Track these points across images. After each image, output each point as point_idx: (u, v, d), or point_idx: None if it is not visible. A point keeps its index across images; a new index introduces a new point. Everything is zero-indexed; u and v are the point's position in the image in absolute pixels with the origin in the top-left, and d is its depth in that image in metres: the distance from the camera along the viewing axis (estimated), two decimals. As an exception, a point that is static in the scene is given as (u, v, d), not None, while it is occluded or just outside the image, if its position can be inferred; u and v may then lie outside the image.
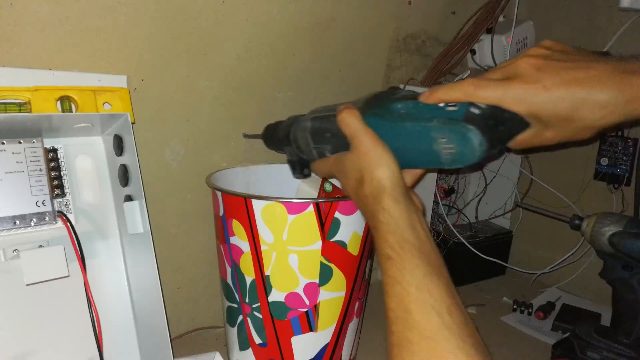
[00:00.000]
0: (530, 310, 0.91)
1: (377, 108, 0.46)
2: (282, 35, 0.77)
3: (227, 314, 0.67)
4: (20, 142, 0.56)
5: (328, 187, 0.66)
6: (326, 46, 0.83)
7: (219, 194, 0.62)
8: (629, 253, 0.64)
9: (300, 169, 0.59)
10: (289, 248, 0.58)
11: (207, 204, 0.68)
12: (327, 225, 0.58)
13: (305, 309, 0.61)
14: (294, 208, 0.57)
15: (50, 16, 0.59)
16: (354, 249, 0.61)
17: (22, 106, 0.57)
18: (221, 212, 0.62)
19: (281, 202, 0.57)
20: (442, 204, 0.99)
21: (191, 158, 0.74)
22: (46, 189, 0.58)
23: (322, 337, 0.63)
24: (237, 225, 0.60)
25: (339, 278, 0.61)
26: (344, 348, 0.66)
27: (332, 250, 0.59)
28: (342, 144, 0.48)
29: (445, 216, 0.98)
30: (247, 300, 0.62)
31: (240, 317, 0.64)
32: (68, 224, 0.58)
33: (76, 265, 0.58)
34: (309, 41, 0.81)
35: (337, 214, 0.58)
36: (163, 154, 0.72)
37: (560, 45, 0.40)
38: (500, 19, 0.96)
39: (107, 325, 0.62)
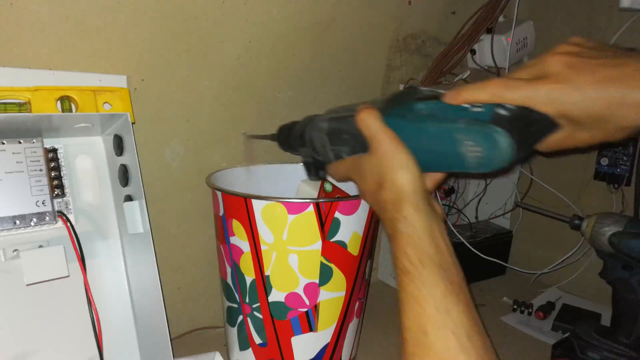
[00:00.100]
0: (530, 310, 0.91)
1: (398, 108, 0.44)
2: (282, 35, 0.77)
3: (227, 314, 0.67)
4: (20, 142, 0.56)
5: (328, 187, 0.66)
6: (326, 46, 0.83)
7: (219, 194, 0.62)
8: (629, 253, 0.64)
9: (316, 170, 0.57)
10: (289, 248, 0.58)
11: (207, 204, 0.68)
12: (327, 225, 0.58)
13: (305, 309, 0.61)
14: (294, 208, 0.57)
15: (50, 16, 0.59)
16: (354, 249, 0.61)
17: (22, 106, 0.57)
18: (221, 212, 0.62)
19: (281, 202, 0.57)
20: (442, 204, 0.99)
21: (191, 158, 0.74)
22: (46, 189, 0.58)
23: (322, 337, 0.63)
24: (237, 225, 0.60)
25: (339, 278, 0.61)
26: (344, 348, 0.66)
27: (332, 250, 0.59)
28: (361, 145, 0.46)
29: (446, 216, 0.98)
30: (247, 300, 0.62)
31: (240, 317, 0.64)
32: (68, 224, 0.58)
33: (76, 265, 0.58)
34: (309, 41, 0.81)
35: (337, 214, 0.58)
36: (163, 154, 0.72)
37: (590, 41, 0.38)
38: (500, 19, 0.96)
39: (107, 325, 0.62)
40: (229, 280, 0.64)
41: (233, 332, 0.66)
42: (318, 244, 0.58)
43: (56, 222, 0.59)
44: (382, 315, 0.83)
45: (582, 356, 0.70)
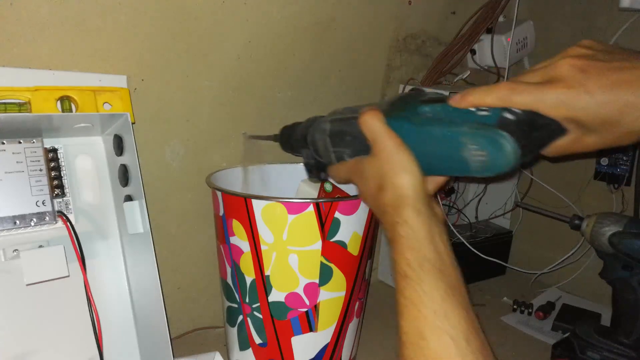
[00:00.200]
0: (530, 310, 0.91)
1: (402, 111, 0.44)
2: (282, 35, 0.77)
3: (227, 314, 0.67)
4: (20, 142, 0.56)
5: (328, 187, 0.66)
6: (326, 46, 0.83)
7: (219, 194, 0.62)
8: (629, 253, 0.64)
9: (317, 172, 0.57)
10: (289, 248, 0.58)
11: (207, 204, 0.68)
12: (327, 225, 0.58)
13: (305, 309, 0.61)
14: (294, 208, 0.57)
15: (50, 16, 0.59)
16: (354, 249, 0.61)
17: (22, 106, 0.57)
18: (221, 212, 0.62)
19: (281, 202, 0.57)
20: (442, 204, 0.99)
21: (191, 158, 0.74)
22: (46, 189, 0.58)
23: (322, 337, 0.63)
24: (237, 225, 0.60)
25: (339, 278, 0.61)
26: (344, 348, 0.66)
27: (332, 250, 0.59)
28: (363, 147, 0.45)
29: (445, 216, 0.98)
30: (247, 300, 0.62)
31: (240, 317, 0.64)
32: (68, 224, 0.58)
33: (76, 265, 0.58)
34: (309, 41, 0.81)
35: (337, 214, 0.58)
36: (163, 154, 0.72)
37: (602, 44, 0.37)
38: (500, 19, 0.96)
39: (107, 325, 0.62)
40: (229, 280, 0.64)
41: (233, 332, 0.66)
42: (318, 244, 0.58)
43: (56, 222, 0.59)
44: (382, 315, 0.83)
45: (582, 356, 0.70)
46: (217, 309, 0.79)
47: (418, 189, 0.41)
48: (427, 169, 0.42)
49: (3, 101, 0.56)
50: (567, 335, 0.78)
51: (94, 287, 0.60)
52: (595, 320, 0.86)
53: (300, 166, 0.72)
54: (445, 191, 1.02)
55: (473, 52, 0.97)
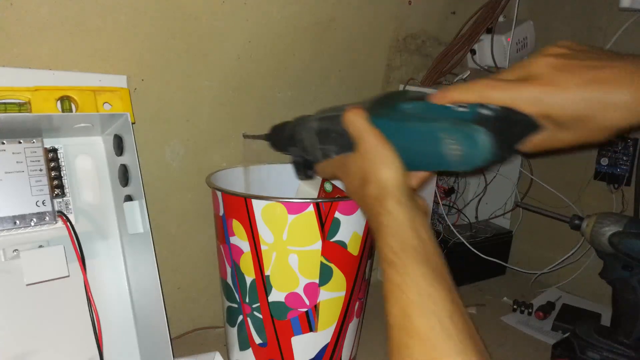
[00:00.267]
0: (530, 310, 0.91)
1: (384, 108, 0.45)
2: (282, 35, 0.77)
3: (227, 314, 0.67)
4: (20, 142, 0.56)
5: (328, 187, 0.66)
6: (326, 46, 0.83)
7: (219, 194, 0.62)
8: (629, 253, 0.64)
9: (305, 170, 0.58)
10: (289, 248, 0.58)
11: (207, 204, 0.68)
12: (327, 225, 0.58)
13: (305, 309, 0.61)
14: (294, 208, 0.57)
15: (50, 16, 0.59)
16: (354, 249, 0.61)
17: (22, 106, 0.57)
18: (221, 212, 0.62)
19: (281, 202, 0.57)
20: (442, 204, 0.99)
21: (191, 158, 0.74)
22: (46, 189, 0.58)
23: (322, 337, 0.63)
24: (237, 225, 0.60)
25: (339, 278, 0.61)
26: (344, 348, 0.66)
27: (332, 250, 0.59)
28: (348, 144, 0.47)
29: (445, 216, 0.98)
30: (247, 300, 0.62)
31: (240, 317, 0.64)
32: (68, 224, 0.58)
33: (76, 265, 0.58)
34: (309, 41, 0.81)
35: (337, 214, 0.58)
36: (163, 154, 0.72)
37: (578, 45, 0.39)
38: (500, 19, 0.96)
39: (107, 325, 0.62)
40: (229, 280, 0.64)
41: (233, 332, 0.66)
42: (318, 244, 0.58)
43: (56, 222, 0.59)
44: (382, 315, 0.83)
45: (582, 356, 0.70)
46: (217, 309, 0.79)
47: (400, 182, 0.43)
48: (409, 164, 0.44)
49: (3, 101, 0.56)
50: (567, 335, 0.78)
51: (94, 287, 0.60)
52: (595, 320, 0.86)
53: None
54: (445, 191, 1.02)
55: (473, 52, 0.97)
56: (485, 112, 0.39)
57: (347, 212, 0.59)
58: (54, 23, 0.59)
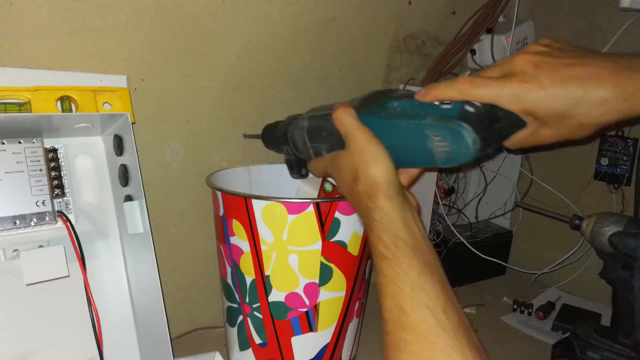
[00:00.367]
0: (530, 310, 0.91)
1: (372, 106, 0.46)
2: (282, 35, 0.77)
3: (227, 314, 0.67)
4: (20, 142, 0.56)
5: (328, 187, 0.66)
6: (326, 46, 0.83)
7: (219, 194, 0.62)
8: (629, 253, 0.64)
9: (298, 168, 0.59)
10: (289, 248, 0.58)
11: (207, 204, 0.68)
12: (327, 225, 0.58)
13: (305, 309, 0.61)
14: (294, 208, 0.57)
15: (50, 16, 0.59)
16: (354, 249, 0.61)
17: (22, 106, 0.57)
18: (221, 212, 0.62)
19: (281, 202, 0.57)
20: (442, 204, 0.99)
21: (191, 158, 0.74)
22: (46, 189, 0.58)
23: (322, 337, 0.63)
24: (237, 225, 0.60)
25: (339, 278, 0.61)
26: (344, 348, 0.66)
27: (332, 250, 0.59)
28: (338, 142, 0.48)
29: (445, 216, 0.98)
30: (247, 300, 0.62)
31: (240, 317, 0.64)
32: (68, 224, 0.58)
33: (76, 265, 0.58)
34: (309, 41, 0.81)
35: (337, 214, 0.58)
36: (163, 154, 0.72)
37: (558, 43, 0.40)
38: (500, 19, 0.96)
39: (107, 325, 0.62)
40: (229, 280, 0.64)
41: (233, 332, 0.66)
42: (318, 244, 0.58)
43: (56, 222, 0.59)
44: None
45: (582, 356, 0.70)
46: (217, 309, 0.79)
47: (390, 178, 0.43)
48: (398, 161, 0.44)
49: (3, 101, 0.56)
50: (567, 335, 0.78)
51: (94, 287, 0.60)
52: (595, 320, 0.86)
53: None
54: (445, 191, 1.02)
55: (473, 52, 0.97)
56: (469, 108, 0.39)
57: (347, 212, 0.59)
58: (54, 23, 0.59)
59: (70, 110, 0.60)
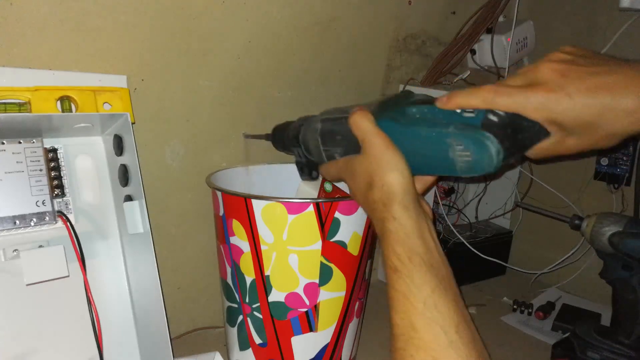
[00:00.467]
0: (530, 310, 0.91)
1: (391, 111, 0.45)
2: (282, 35, 0.77)
3: (227, 314, 0.67)
4: (20, 142, 0.56)
5: (328, 187, 0.66)
6: (326, 46, 0.83)
7: (219, 194, 0.62)
8: (629, 253, 0.64)
9: (309, 171, 0.58)
10: (289, 248, 0.58)
11: (207, 204, 0.68)
12: (327, 225, 0.58)
13: (305, 309, 0.61)
14: (294, 208, 0.57)
15: (50, 16, 0.59)
16: (354, 249, 0.61)
17: (22, 106, 0.57)
18: (221, 212, 0.62)
19: (281, 202, 0.57)
20: (442, 204, 0.99)
21: (191, 158, 0.74)
22: (46, 189, 0.58)
23: (322, 337, 0.63)
24: (237, 225, 0.60)
25: (339, 278, 0.61)
26: (344, 348, 0.66)
27: (332, 250, 0.59)
28: (353, 146, 0.47)
29: (445, 216, 0.98)
30: (247, 300, 0.62)
31: (240, 317, 0.64)
32: (68, 224, 0.58)
33: (76, 265, 0.58)
34: (309, 41, 0.81)
35: (337, 214, 0.58)
36: (163, 154, 0.72)
37: (582, 49, 0.39)
38: (500, 19, 0.96)
39: (107, 325, 0.62)
40: (229, 280, 0.64)
41: (233, 332, 0.66)
42: (318, 244, 0.58)
43: (56, 222, 0.59)
44: (382, 315, 0.83)
45: (582, 356, 0.70)
46: (217, 309, 0.79)
47: (406, 186, 0.42)
48: (415, 168, 0.43)
49: (3, 101, 0.56)
50: (567, 335, 0.78)
51: (94, 287, 0.60)
52: (595, 320, 0.86)
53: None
54: (445, 191, 1.02)
55: (473, 52, 0.97)
56: (493, 118, 0.38)
57: (347, 212, 0.59)
58: (54, 23, 0.59)
59: (70, 110, 0.60)
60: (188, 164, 0.74)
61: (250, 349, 0.64)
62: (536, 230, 1.05)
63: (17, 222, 0.56)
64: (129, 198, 0.61)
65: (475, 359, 0.36)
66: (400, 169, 0.42)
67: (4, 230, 0.56)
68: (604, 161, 0.90)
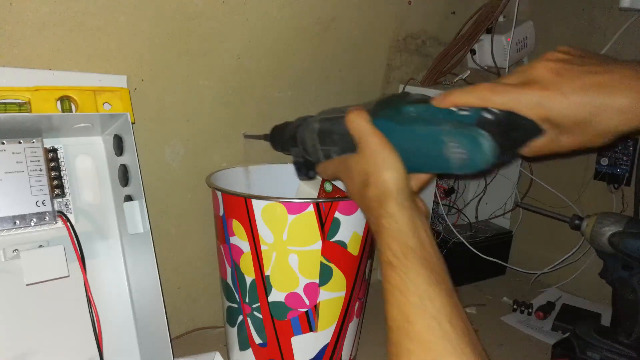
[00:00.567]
0: (530, 310, 0.91)
1: (387, 110, 0.45)
2: (282, 35, 0.77)
3: (227, 314, 0.67)
4: (20, 142, 0.56)
5: (328, 187, 0.66)
6: (326, 46, 0.83)
7: (219, 194, 0.62)
8: (629, 253, 0.64)
9: (306, 170, 0.58)
10: (289, 248, 0.58)
11: (207, 204, 0.68)
12: (327, 225, 0.58)
13: (305, 309, 0.61)
14: (294, 208, 0.57)
15: (50, 16, 0.59)
16: (354, 249, 0.61)
17: (22, 106, 0.57)
18: (221, 212, 0.62)
19: (281, 202, 0.57)
20: (442, 204, 0.99)
21: (191, 158, 0.74)
22: (46, 189, 0.58)
23: (322, 337, 0.63)
24: (237, 225, 0.60)
25: (339, 278, 0.61)
26: (344, 348, 0.66)
27: (332, 250, 0.59)
28: (350, 145, 0.47)
29: (445, 216, 0.98)
30: (247, 300, 0.62)
31: (240, 317, 0.64)
32: (68, 224, 0.58)
33: (76, 265, 0.58)
34: (309, 41, 0.81)
35: (337, 214, 0.58)
36: (163, 154, 0.72)
37: (579, 49, 0.39)
38: (500, 19, 0.96)
39: (107, 325, 0.62)
40: (229, 280, 0.64)
41: (233, 332, 0.66)
42: (318, 244, 0.58)
43: (56, 222, 0.59)
44: (382, 315, 0.83)
45: (582, 356, 0.70)
46: (217, 309, 0.79)
47: (401, 184, 0.43)
48: (410, 166, 0.44)
49: (3, 101, 0.56)
50: (567, 335, 0.78)
51: (94, 287, 0.60)
52: (595, 320, 0.86)
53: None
54: (445, 191, 1.02)
55: (473, 52, 0.97)
56: (487, 115, 0.39)
57: (347, 212, 0.59)
58: (54, 23, 0.59)
59: (70, 110, 0.60)
60: (188, 164, 0.74)
61: (250, 349, 0.64)
62: (536, 230, 1.05)
63: (17, 222, 0.56)
64: (129, 198, 0.61)
65: (467, 347, 0.36)
66: (395, 167, 0.43)
67: (4, 230, 0.56)
68: (604, 161, 0.90)
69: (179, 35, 0.68)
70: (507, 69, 0.94)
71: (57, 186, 0.60)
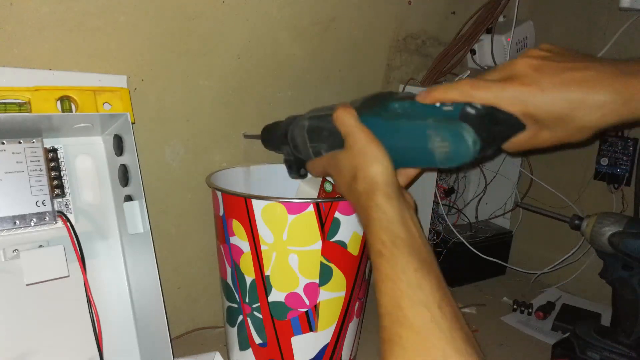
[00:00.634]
0: (530, 310, 0.91)
1: (374, 107, 0.47)
2: (282, 35, 0.77)
3: (227, 314, 0.67)
4: (20, 142, 0.56)
5: (328, 187, 0.66)
6: (326, 46, 0.83)
7: (219, 194, 0.62)
8: (629, 253, 0.64)
9: (297, 168, 0.59)
10: (289, 248, 0.58)
11: (207, 204, 0.68)
12: (327, 225, 0.58)
13: (305, 309, 0.61)
14: (294, 208, 0.57)
15: (50, 16, 0.59)
16: (354, 249, 0.61)
17: (22, 106, 0.57)
18: (221, 212, 0.62)
19: (281, 202, 0.57)
20: (442, 204, 0.99)
21: (191, 158, 0.74)
22: (46, 189, 0.58)
23: (322, 337, 0.63)
24: (237, 225, 0.60)
25: (339, 278, 0.61)
26: (344, 348, 0.66)
27: (332, 250, 0.59)
28: (338, 142, 0.48)
29: (445, 216, 0.98)
30: (247, 300, 0.62)
31: (240, 317, 0.64)
32: (68, 224, 0.58)
33: (76, 265, 0.58)
34: (308, 41, 0.81)
35: (337, 214, 0.58)
36: (163, 154, 0.72)
37: (560, 48, 0.40)
38: (500, 19, 0.96)
39: (107, 325, 0.62)
40: (229, 280, 0.64)
41: (233, 332, 0.66)
42: (318, 244, 0.58)
43: (56, 222, 0.59)
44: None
45: (582, 356, 0.70)
46: (217, 309, 0.79)
47: (388, 177, 0.44)
48: (397, 161, 0.45)
49: (3, 101, 0.56)
50: (567, 335, 0.78)
51: (94, 287, 0.60)
52: (595, 320, 0.86)
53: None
54: (445, 191, 1.02)
55: (473, 52, 0.97)
56: (470, 110, 0.40)
57: (347, 212, 0.59)
58: (54, 23, 0.59)
59: (70, 110, 0.60)
60: (188, 164, 0.74)
61: (250, 349, 0.64)
62: (536, 230, 1.05)
63: (17, 222, 0.56)
64: (129, 198, 0.61)
65: (458, 333, 0.37)
66: (383, 161, 0.44)
67: (4, 230, 0.56)
68: (604, 161, 0.90)
69: (179, 35, 0.68)
70: (507, 69, 0.94)
71: (57, 186, 0.60)
